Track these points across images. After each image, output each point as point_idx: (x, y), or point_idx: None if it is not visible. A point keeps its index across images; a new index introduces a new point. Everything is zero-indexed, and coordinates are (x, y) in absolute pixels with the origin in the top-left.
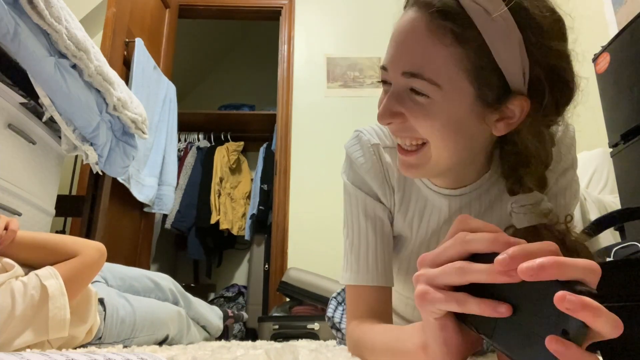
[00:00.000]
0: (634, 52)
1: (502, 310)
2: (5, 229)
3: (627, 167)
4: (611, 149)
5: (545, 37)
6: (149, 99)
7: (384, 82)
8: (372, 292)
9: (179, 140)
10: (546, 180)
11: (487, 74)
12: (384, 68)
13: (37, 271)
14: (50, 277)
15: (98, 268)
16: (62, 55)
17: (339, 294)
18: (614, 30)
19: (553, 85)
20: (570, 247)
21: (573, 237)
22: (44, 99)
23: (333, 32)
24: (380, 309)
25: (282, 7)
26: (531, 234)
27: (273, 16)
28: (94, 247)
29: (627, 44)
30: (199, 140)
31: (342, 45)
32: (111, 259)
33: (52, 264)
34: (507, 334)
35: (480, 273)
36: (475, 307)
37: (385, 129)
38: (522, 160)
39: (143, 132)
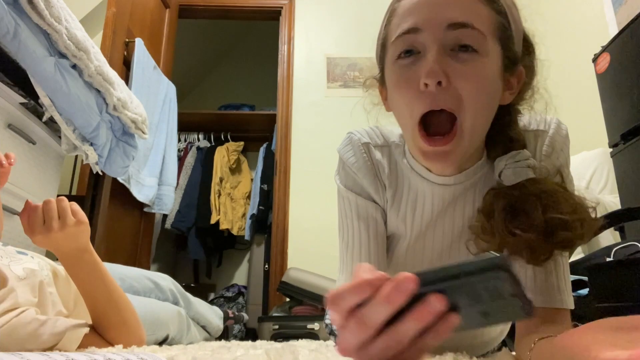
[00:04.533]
0: (634, 52)
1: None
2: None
3: (627, 167)
4: (611, 149)
5: (520, 15)
6: (149, 99)
7: (406, 52)
8: None
9: (179, 140)
10: (524, 139)
11: (508, 37)
12: (413, 31)
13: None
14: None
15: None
16: (62, 55)
17: None
18: (614, 30)
19: (531, 58)
20: (558, 196)
21: (560, 187)
22: (44, 99)
23: (333, 32)
24: None
25: (282, 7)
26: (519, 189)
27: (273, 16)
28: (140, 335)
29: (627, 44)
30: (199, 140)
31: (342, 45)
32: (111, 259)
33: (97, 316)
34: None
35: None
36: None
37: (378, 130)
38: (508, 121)
39: (143, 132)
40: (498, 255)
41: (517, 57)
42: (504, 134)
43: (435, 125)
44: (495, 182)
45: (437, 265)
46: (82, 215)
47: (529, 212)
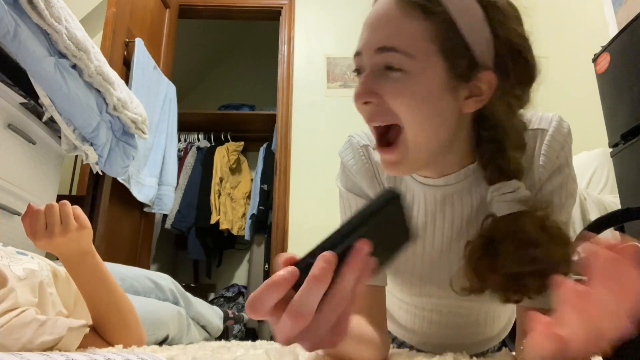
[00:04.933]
0: (634, 52)
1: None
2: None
3: (627, 167)
4: (611, 149)
5: (504, 17)
6: (149, 99)
7: (359, 71)
8: (365, 290)
9: (179, 140)
10: (522, 168)
11: (455, 47)
12: (357, 54)
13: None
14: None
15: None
16: (62, 55)
17: None
18: (614, 30)
19: (515, 62)
20: (550, 232)
21: (553, 223)
22: (44, 99)
23: (333, 32)
24: (373, 308)
25: (282, 7)
26: (511, 221)
27: (273, 16)
28: (140, 335)
29: (627, 44)
30: (199, 140)
31: (342, 45)
32: (111, 258)
33: (97, 317)
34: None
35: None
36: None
37: None
38: (500, 148)
39: (143, 132)
40: (387, 189)
41: (477, 64)
42: (493, 160)
43: (390, 135)
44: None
45: (433, 264)
46: (85, 220)
47: (503, 254)
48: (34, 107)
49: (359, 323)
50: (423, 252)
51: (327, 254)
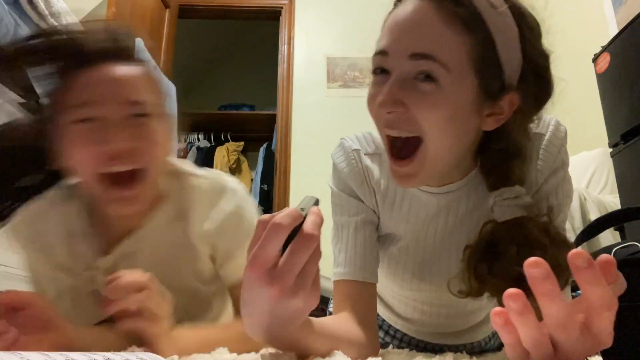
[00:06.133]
0: (634, 52)
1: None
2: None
3: (627, 167)
4: (611, 149)
5: (534, 36)
6: None
7: (380, 70)
8: (352, 286)
9: (179, 140)
10: (525, 174)
11: (490, 66)
12: (382, 53)
13: None
14: None
15: None
16: None
17: None
18: (614, 30)
19: (537, 83)
20: (553, 237)
21: (555, 228)
22: (44, 99)
23: (333, 32)
24: (362, 305)
25: (282, 7)
26: (515, 225)
27: (273, 16)
28: None
29: (627, 44)
30: (199, 140)
31: (342, 45)
32: None
33: None
34: None
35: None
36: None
37: (370, 137)
38: (507, 157)
39: None
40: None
41: (505, 86)
42: (498, 168)
43: (406, 147)
44: (486, 191)
45: (426, 262)
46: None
47: (505, 258)
48: (34, 107)
49: (339, 322)
50: (416, 250)
51: (292, 210)
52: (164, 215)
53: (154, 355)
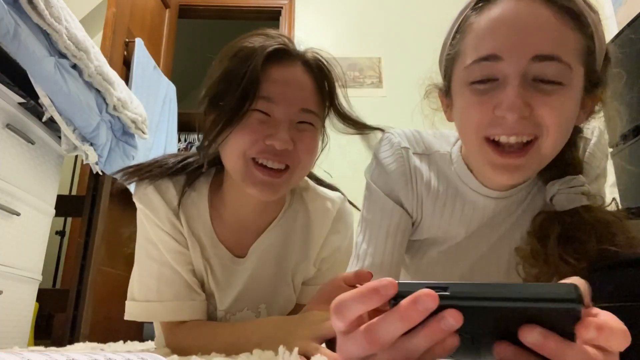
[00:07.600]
0: (634, 52)
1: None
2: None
3: (627, 167)
4: (611, 149)
5: (602, 29)
6: (149, 99)
7: (486, 80)
8: None
9: (179, 140)
10: (582, 164)
11: (591, 61)
12: (492, 58)
13: None
14: None
15: None
16: (62, 55)
17: None
18: (614, 30)
19: (605, 76)
20: (615, 215)
21: (616, 217)
22: (44, 99)
23: (333, 32)
24: None
25: (282, 7)
26: (572, 215)
27: (273, 16)
28: None
29: (627, 43)
30: (198, 140)
31: (342, 45)
32: (111, 258)
33: None
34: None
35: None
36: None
37: (420, 136)
38: (568, 149)
39: (143, 132)
40: (567, 284)
41: (598, 79)
42: (561, 157)
43: (517, 142)
44: (543, 203)
45: (474, 267)
46: None
47: (583, 242)
48: (33, 107)
49: None
50: (456, 258)
51: (426, 297)
52: (290, 223)
53: (155, 355)
